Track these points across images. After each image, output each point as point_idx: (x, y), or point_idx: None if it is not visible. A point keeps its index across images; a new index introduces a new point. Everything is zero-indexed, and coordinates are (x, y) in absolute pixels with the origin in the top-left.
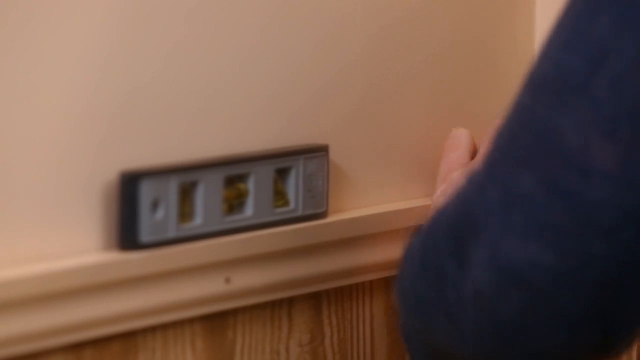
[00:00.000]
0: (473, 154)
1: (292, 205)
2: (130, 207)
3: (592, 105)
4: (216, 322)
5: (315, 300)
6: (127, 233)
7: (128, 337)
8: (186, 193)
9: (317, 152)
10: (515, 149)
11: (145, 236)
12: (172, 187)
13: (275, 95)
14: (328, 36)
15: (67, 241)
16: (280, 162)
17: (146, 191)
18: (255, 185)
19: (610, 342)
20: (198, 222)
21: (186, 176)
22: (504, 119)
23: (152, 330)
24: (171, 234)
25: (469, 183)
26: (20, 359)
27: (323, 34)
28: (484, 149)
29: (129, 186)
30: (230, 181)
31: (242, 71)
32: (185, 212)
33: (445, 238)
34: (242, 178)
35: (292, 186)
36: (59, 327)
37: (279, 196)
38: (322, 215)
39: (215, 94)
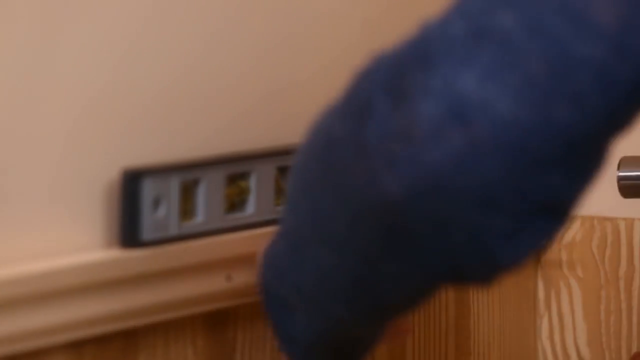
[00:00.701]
0: None
1: None
2: (131, 204)
3: None
4: (217, 320)
5: None
6: (128, 231)
7: (129, 335)
8: (188, 191)
9: None
10: None
11: (146, 234)
12: (173, 185)
13: (276, 93)
14: (327, 32)
15: (68, 239)
16: (282, 160)
17: (148, 189)
18: (257, 183)
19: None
20: (200, 219)
21: (188, 174)
22: None
23: (153, 328)
24: (173, 231)
25: (431, 21)
26: (21, 356)
27: (324, 32)
28: None
29: (131, 184)
30: (232, 179)
31: (244, 69)
32: (186, 209)
33: (387, 68)
34: (243, 176)
35: None
36: (60, 324)
37: (281, 194)
38: None
39: (217, 92)
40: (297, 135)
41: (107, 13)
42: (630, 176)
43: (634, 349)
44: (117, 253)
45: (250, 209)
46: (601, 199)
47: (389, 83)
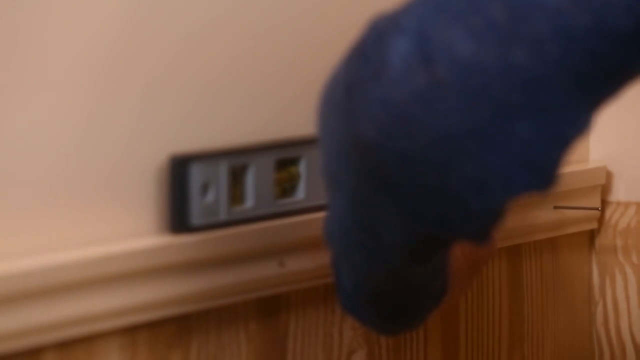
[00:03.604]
0: None
1: None
2: (180, 190)
3: None
4: (270, 306)
5: None
6: (178, 216)
7: (182, 320)
8: (237, 176)
9: None
10: None
11: (196, 219)
12: (222, 170)
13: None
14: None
15: (119, 225)
16: None
17: (196, 174)
18: (307, 169)
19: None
20: (249, 205)
21: (236, 159)
22: None
23: (205, 313)
24: (222, 216)
25: None
26: (76, 341)
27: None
28: None
29: (179, 169)
30: (282, 164)
31: (294, 55)
32: (236, 195)
33: (384, 17)
34: (293, 161)
35: None
36: (113, 310)
37: None
38: None
39: (267, 77)
40: None
41: (157, 5)
42: None
43: None
44: (167, 239)
45: (301, 194)
46: None
47: (380, 28)
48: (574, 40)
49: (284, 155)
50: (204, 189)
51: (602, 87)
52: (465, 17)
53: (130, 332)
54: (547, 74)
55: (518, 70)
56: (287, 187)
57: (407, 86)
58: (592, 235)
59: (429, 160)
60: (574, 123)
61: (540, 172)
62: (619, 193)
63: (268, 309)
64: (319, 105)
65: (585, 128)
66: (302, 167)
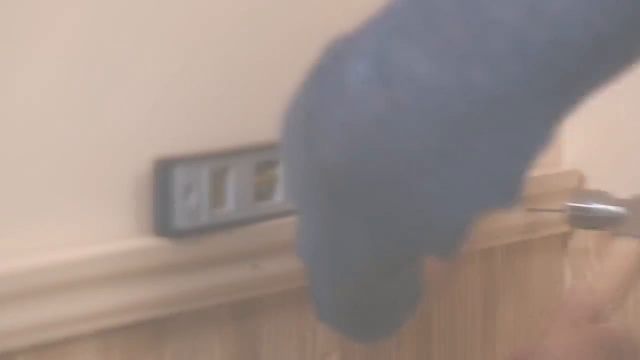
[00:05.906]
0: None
1: None
2: (164, 193)
3: None
4: (244, 309)
5: None
6: (162, 219)
7: (157, 323)
8: (218, 179)
9: None
10: None
11: (180, 222)
12: (204, 173)
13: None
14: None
15: (102, 227)
16: None
17: (179, 177)
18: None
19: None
20: (230, 207)
21: (217, 162)
22: None
23: (180, 316)
24: (204, 219)
25: None
26: (49, 345)
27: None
28: None
29: (163, 173)
30: (261, 168)
31: (274, 60)
32: (217, 198)
33: (343, 39)
34: (272, 164)
35: None
36: (89, 313)
37: None
38: None
39: (247, 83)
40: None
41: (140, 15)
42: (579, 207)
43: None
44: (150, 241)
45: (279, 197)
46: (629, 188)
47: (339, 51)
48: (532, 56)
49: (262, 158)
50: (187, 191)
51: (562, 100)
52: (423, 38)
53: (104, 335)
54: (506, 90)
55: (477, 88)
56: (265, 190)
57: (366, 109)
58: (565, 238)
59: (391, 180)
60: (536, 137)
61: (503, 186)
62: None
63: (242, 312)
64: (281, 129)
65: (547, 141)
66: (280, 170)
